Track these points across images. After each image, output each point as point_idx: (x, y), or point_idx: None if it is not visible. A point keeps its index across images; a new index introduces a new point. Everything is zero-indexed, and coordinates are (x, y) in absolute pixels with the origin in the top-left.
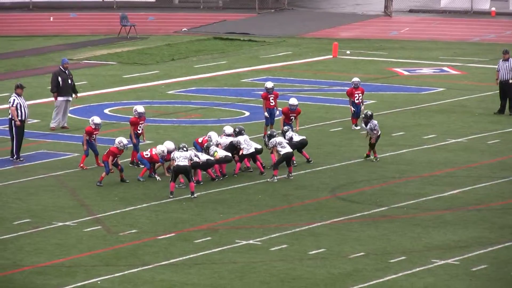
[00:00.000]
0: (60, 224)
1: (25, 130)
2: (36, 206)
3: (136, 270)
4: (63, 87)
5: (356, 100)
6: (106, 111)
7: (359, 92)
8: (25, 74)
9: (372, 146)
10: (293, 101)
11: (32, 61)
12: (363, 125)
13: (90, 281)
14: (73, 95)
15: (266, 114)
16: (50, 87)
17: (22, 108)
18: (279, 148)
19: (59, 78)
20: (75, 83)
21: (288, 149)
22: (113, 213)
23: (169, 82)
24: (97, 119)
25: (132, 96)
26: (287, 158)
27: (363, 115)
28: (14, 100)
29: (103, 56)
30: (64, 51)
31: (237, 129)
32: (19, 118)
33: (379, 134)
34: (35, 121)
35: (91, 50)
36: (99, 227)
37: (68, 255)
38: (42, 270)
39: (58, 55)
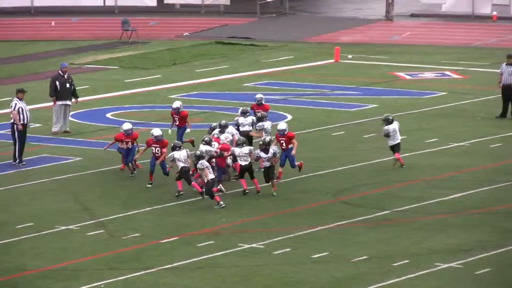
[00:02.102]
0: (63, 228)
1: (27, 135)
2: (38, 210)
3: (139, 273)
4: (61, 91)
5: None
6: (108, 115)
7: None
8: (27, 78)
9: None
10: (281, 125)
11: (34, 66)
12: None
13: (93, 284)
14: (73, 100)
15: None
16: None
17: (24, 112)
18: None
19: (57, 83)
20: (76, 88)
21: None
22: (116, 217)
23: (171, 87)
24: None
25: (134, 101)
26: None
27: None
28: (16, 104)
29: (105, 61)
30: (65, 55)
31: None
32: (21, 122)
33: (382, 134)
34: (37, 125)
35: (93, 55)
36: (102, 230)
37: (71, 259)
38: (45, 274)
39: (59, 60)
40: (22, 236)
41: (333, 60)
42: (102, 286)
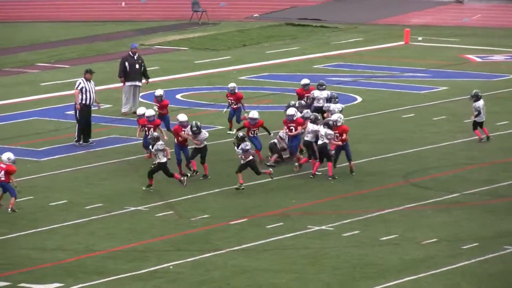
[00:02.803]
0: (132, 209)
1: (97, 115)
2: (108, 191)
3: (208, 255)
4: (130, 72)
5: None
6: (178, 96)
7: None
8: (97, 59)
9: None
10: (290, 111)
11: (104, 47)
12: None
13: (162, 266)
14: (144, 80)
15: None
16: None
17: (88, 93)
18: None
19: (126, 63)
20: (147, 68)
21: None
22: (184, 198)
23: (241, 68)
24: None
25: (204, 82)
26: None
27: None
28: (79, 83)
29: (175, 42)
30: (135, 36)
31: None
32: (84, 102)
33: (475, 113)
34: (107, 106)
35: (163, 36)
36: (171, 212)
37: (140, 240)
38: (114, 254)
39: (130, 41)
40: (92, 217)
41: (403, 42)
42: (171, 267)
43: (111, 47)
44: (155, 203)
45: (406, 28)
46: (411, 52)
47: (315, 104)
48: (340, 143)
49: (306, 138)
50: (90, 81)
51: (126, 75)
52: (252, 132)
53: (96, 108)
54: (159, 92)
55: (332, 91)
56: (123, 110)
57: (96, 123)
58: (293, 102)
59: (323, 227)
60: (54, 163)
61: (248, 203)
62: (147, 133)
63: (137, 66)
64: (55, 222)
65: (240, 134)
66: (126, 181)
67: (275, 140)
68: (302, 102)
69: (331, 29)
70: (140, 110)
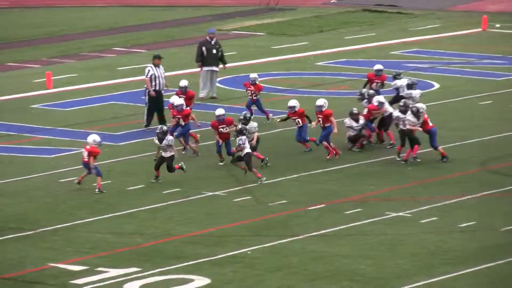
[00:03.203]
0: (210, 194)
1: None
2: (186, 176)
3: (286, 240)
4: (207, 57)
5: None
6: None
7: None
8: (173, 44)
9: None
10: (319, 101)
11: (181, 32)
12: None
13: (240, 251)
14: (221, 66)
15: None
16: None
17: (157, 79)
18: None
19: (203, 48)
20: (224, 54)
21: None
22: (262, 184)
23: (318, 54)
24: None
25: (281, 67)
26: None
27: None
28: (149, 70)
29: (252, 27)
30: (212, 21)
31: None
32: (154, 88)
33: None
34: None
35: (240, 21)
36: (249, 197)
37: (218, 225)
38: (192, 239)
39: (207, 26)
40: (169, 202)
41: (480, 29)
42: (249, 252)
43: (188, 32)
44: (233, 188)
45: (483, 15)
46: (488, 39)
47: (400, 93)
48: (420, 129)
49: (400, 127)
50: (159, 67)
51: (203, 60)
52: (297, 122)
53: (166, 92)
54: (183, 82)
55: (410, 78)
56: (201, 95)
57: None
58: (364, 90)
59: (401, 214)
60: (131, 147)
61: (326, 189)
62: (178, 123)
63: (214, 51)
64: (132, 206)
65: (239, 126)
66: (203, 166)
67: (350, 132)
68: (371, 90)
69: (407, 15)
70: (174, 100)
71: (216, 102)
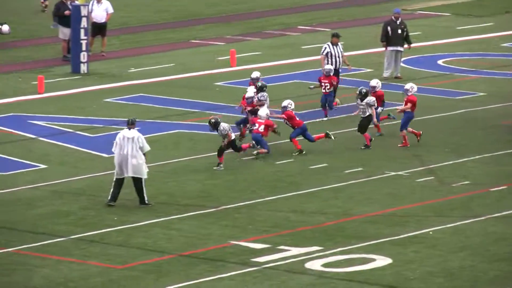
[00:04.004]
0: (393, 174)
1: (352, 79)
2: (367, 155)
3: (468, 221)
4: (392, 37)
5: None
6: (440, 62)
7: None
8: (357, 23)
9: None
10: (372, 82)
11: (365, 11)
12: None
13: (421, 231)
14: (406, 46)
15: None
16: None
17: (334, 58)
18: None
19: (389, 28)
20: (409, 34)
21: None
22: (445, 164)
23: (503, 35)
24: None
25: (465, 48)
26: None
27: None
28: (325, 48)
29: (437, 8)
30: (398, 1)
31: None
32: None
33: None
34: (368, 70)
35: (425, 1)
36: (432, 177)
37: (400, 205)
38: (373, 219)
39: (392, 6)
40: (351, 181)
41: None
42: (431, 233)
43: (373, 12)
44: (415, 169)
45: None
46: None
47: None
48: None
49: None
50: (337, 45)
51: (388, 40)
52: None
53: (347, 71)
54: (255, 74)
55: None
56: (385, 74)
57: (350, 86)
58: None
59: None
60: (313, 126)
61: (509, 170)
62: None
63: (399, 31)
64: (314, 185)
65: (213, 120)
66: (384, 146)
67: None
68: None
69: None
70: (248, 91)
71: (400, 81)
